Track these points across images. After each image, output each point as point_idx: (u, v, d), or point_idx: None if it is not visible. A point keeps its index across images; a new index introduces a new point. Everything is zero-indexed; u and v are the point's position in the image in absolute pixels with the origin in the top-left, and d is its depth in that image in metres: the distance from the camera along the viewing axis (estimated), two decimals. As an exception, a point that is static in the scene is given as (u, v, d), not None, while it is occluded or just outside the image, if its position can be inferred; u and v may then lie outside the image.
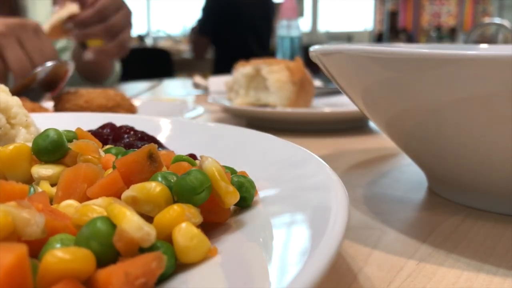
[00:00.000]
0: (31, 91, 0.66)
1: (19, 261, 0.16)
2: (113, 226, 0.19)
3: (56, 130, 0.27)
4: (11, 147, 0.26)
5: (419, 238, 0.32)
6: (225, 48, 2.80)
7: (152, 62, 3.17)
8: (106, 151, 0.31)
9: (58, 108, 0.63)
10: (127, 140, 0.38)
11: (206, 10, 2.77)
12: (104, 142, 0.37)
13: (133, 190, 0.22)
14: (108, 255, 0.19)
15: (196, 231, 0.21)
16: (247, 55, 0.87)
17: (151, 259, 0.18)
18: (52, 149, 0.26)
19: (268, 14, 2.86)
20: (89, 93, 0.64)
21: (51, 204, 0.23)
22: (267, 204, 0.26)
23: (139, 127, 0.40)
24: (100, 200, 0.22)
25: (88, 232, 0.19)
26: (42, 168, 0.26)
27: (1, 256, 0.16)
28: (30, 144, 0.27)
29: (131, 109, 0.66)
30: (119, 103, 0.64)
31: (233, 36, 2.75)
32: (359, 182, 0.44)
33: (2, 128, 0.33)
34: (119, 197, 0.22)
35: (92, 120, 0.42)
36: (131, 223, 0.19)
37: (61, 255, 0.17)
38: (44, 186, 0.26)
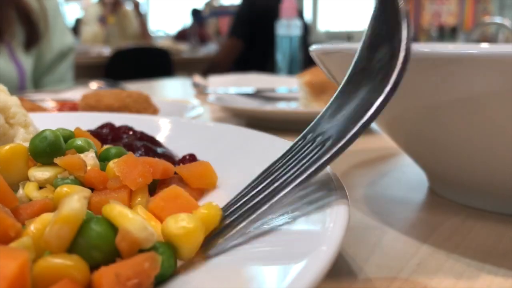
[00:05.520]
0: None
1: (21, 270, 0.16)
2: (112, 229, 0.19)
3: (53, 131, 0.27)
4: (6, 147, 0.26)
5: (419, 238, 0.31)
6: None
7: (151, 62, 3.16)
8: (105, 151, 0.31)
9: (80, 104, 0.61)
10: (126, 140, 0.37)
11: (240, 15, 2.76)
12: (103, 141, 0.37)
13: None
14: (108, 260, 0.19)
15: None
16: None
17: (143, 259, 0.18)
18: (49, 151, 0.26)
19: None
20: (102, 92, 0.60)
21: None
22: (266, 204, 0.25)
23: (138, 127, 0.40)
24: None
25: (86, 241, 0.19)
26: (38, 171, 0.26)
27: (4, 265, 0.15)
28: (27, 144, 0.27)
29: (141, 112, 0.60)
30: (127, 105, 0.59)
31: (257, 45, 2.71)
32: (359, 182, 0.44)
33: (1, 128, 0.33)
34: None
35: (92, 120, 0.42)
36: (135, 223, 0.19)
37: (54, 261, 0.17)
38: (30, 189, 0.25)
